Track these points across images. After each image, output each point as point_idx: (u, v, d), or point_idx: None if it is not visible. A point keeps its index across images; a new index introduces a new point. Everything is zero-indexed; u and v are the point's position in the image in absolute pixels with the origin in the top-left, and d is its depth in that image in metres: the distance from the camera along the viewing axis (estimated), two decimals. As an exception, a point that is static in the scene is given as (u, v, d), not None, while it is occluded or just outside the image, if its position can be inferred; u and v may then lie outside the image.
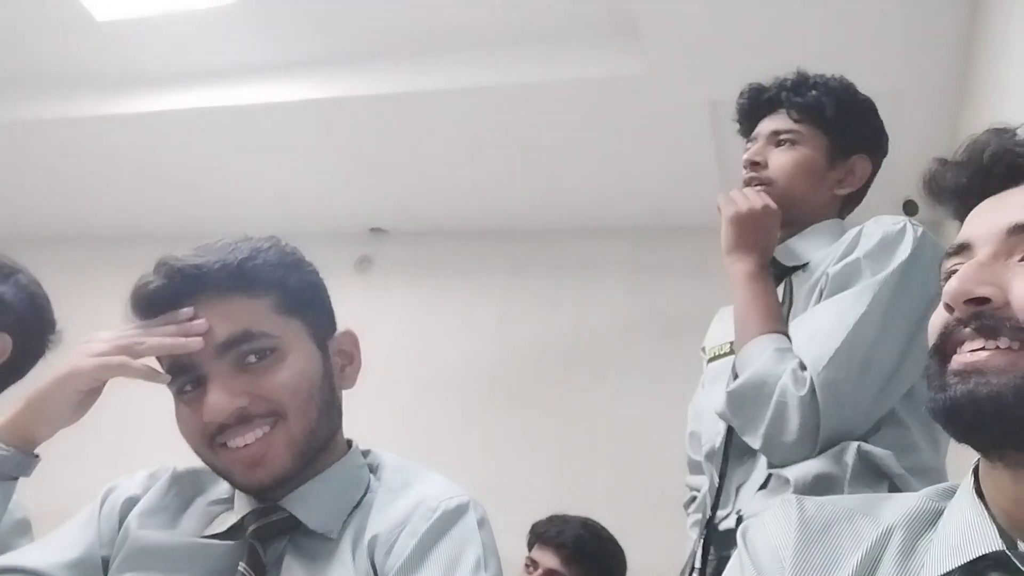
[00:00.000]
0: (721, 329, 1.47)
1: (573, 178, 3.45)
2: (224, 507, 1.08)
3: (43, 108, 3.41)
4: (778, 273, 1.41)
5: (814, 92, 1.46)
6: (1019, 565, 0.67)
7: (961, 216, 0.80)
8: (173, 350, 0.98)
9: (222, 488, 1.10)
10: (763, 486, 1.26)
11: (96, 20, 3.00)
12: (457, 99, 3.06)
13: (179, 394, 1.01)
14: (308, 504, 1.02)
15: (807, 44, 2.48)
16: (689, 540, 1.43)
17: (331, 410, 1.04)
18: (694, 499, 1.47)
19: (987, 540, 0.69)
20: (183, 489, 1.11)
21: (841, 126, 1.45)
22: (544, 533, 2.32)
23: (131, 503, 1.09)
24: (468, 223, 3.83)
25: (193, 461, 1.10)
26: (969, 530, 0.71)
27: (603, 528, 2.37)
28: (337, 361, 1.08)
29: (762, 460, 1.28)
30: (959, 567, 0.70)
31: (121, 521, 1.07)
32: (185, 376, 0.99)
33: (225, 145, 3.47)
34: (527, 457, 3.39)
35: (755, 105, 1.52)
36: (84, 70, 3.29)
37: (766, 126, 1.49)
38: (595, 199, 3.57)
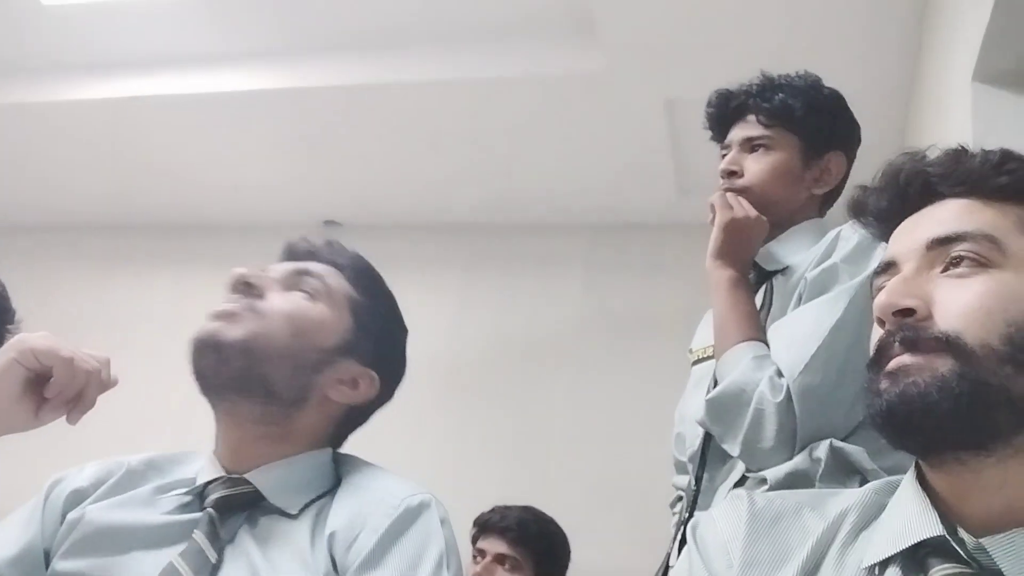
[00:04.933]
0: (707, 331, 1.46)
1: (529, 174, 3.45)
2: (181, 489, 1.07)
3: (-13, 93, 3.32)
4: (758, 277, 1.42)
5: (781, 95, 1.46)
6: (958, 549, 0.69)
7: (886, 237, 0.85)
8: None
9: (183, 471, 1.09)
10: (738, 484, 1.27)
11: (42, 4, 2.93)
12: (413, 93, 3.04)
13: None
14: (272, 479, 1.04)
15: (762, 44, 2.51)
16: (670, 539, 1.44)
17: (292, 383, 1.05)
18: (680, 499, 1.48)
19: (928, 526, 0.72)
20: (138, 481, 1.09)
21: (812, 126, 1.45)
22: (487, 521, 2.36)
23: (77, 495, 1.07)
24: (423, 217, 3.82)
25: (146, 451, 1.09)
26: (911, 517, 0.73)
27: (542, 512, 2.41)
28: (335, 380, 1.09)
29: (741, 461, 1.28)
30: (900, 552, 0.72)
31: (64, 514, 1.05)
32: None
33: (177, 134, 3.40)
34: (480, 453, 3.39)
35: (723, 113, 1.52)
36: (29, 56, 3.21)
37: (738, 134, 1.49)
38: (551, 196, 3.58)
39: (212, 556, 0.97)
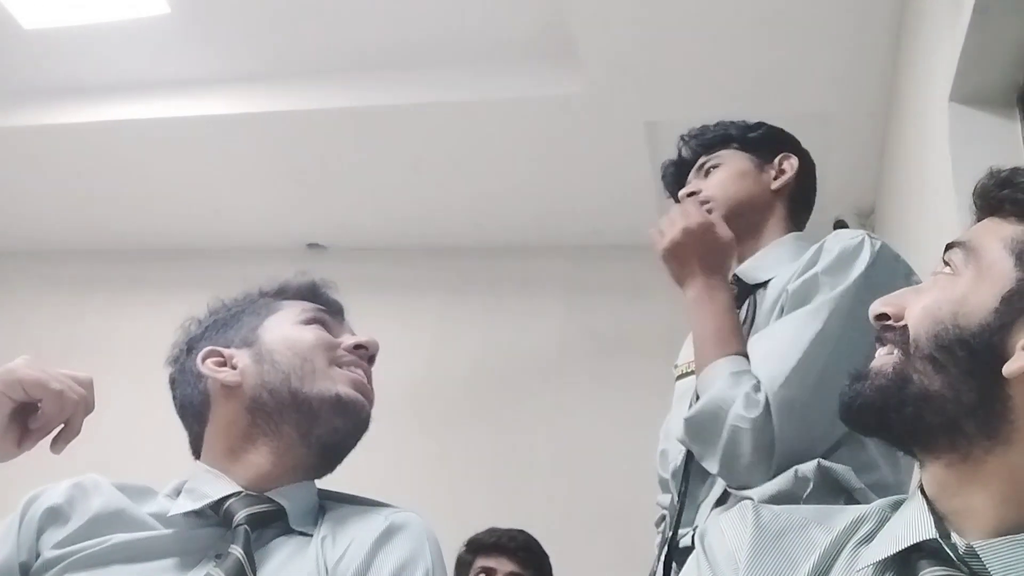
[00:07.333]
0: (690, 346, 1.46)
1: (511, 196, 3.46)
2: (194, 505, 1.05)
3: (-35, 117, 3.30)
4: (742, 292, 1.42)
5: (714, 129, 1.55)
6: (949, 552, 0.71)
7: None
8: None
9: (149, 506, 1.07)
10: (720, 502, 1.26)
11: (23, 28, 2.92)
12: (396, 116, 3.05)
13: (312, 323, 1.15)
14: (295, 500, 1.05)
15: (740, 67, 2.53)
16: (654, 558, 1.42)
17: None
18: (664, 517, 1.46)
19: (923, 529, 0.73)
20: (116, 502, 1.07)
21: (752, 140, 1.52)
22: (497, 542, 2.38)
23: (52, 512, 1.05)
24: (407, 240, 3.82)
25: (122, 476, 1.07)
26: (910, 522, 0.75)
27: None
28: None
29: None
30: (896, 555, 0.73)
31: (40, 531, 1.04)
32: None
33: (159, 158, 3.40)
34: (463, 475, 3.37)
35: (677, 171, 1.59)
36: (10, 79, 3.20)
37: (692, 173, 1.56)
38: (533, 217, 3.59)
39: (251, 573, 0.96)
